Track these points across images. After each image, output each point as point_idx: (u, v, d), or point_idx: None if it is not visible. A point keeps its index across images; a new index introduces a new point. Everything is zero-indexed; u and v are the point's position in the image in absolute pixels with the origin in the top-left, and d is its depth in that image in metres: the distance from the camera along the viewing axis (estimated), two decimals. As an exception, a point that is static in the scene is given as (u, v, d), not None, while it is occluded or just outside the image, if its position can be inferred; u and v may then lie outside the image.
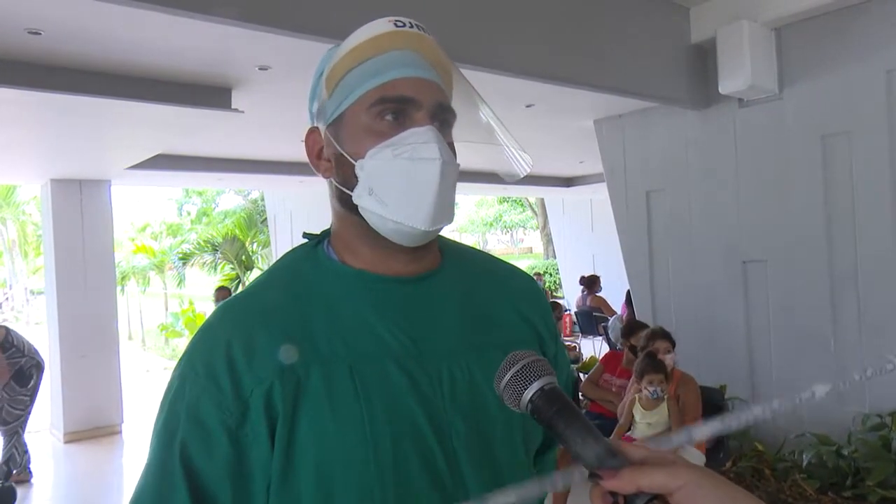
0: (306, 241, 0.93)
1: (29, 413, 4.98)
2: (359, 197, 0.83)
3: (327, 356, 0.79)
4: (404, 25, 0.85)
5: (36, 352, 5.01)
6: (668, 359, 3.51)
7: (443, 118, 0.84)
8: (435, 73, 0.86)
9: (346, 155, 0.84)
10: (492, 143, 0.93)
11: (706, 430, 0.66)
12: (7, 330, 4.92)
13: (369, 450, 0.76)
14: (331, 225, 0.92)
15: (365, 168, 0.82)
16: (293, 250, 0.93)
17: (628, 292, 8.55)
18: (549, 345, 0.95)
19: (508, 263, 1.03)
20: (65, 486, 5.17)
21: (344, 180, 0.85)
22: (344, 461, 0.76)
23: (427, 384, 0.81)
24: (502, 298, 0.93)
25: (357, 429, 0.76)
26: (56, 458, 5.71)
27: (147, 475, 0.79)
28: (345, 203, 0.86)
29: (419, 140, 0.80)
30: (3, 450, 4.91)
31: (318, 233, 0.92)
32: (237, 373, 0.77)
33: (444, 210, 0.82)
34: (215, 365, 0.78)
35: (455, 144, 0.87)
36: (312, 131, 0.90)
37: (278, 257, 0.94)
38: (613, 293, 9.16)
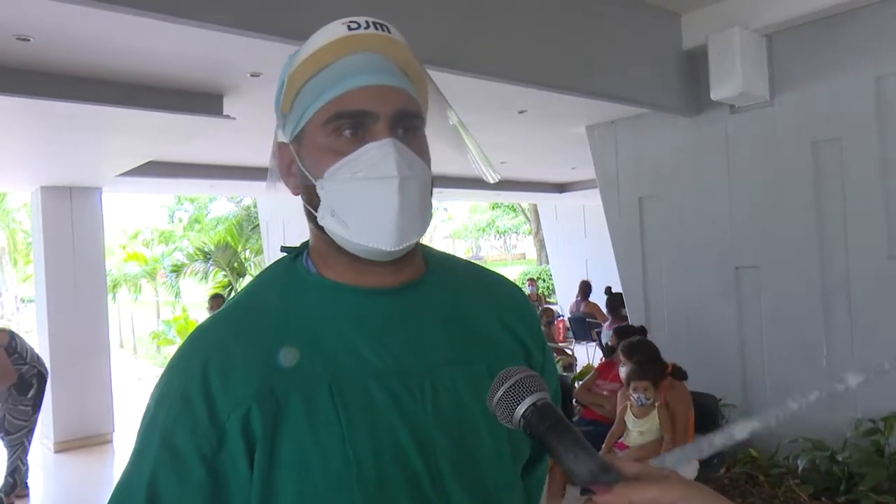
0: (285, 254, 0.90)
1: (34, 424, 4.89)
2: (322, 218, 0.79)
3: (307, 376, 0.75)
4: (359, 27, 0.79)
5: (39, 360, 4.92)
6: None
7: (407, 125, 0.79)
8: (398, 74, 0.80)
9: (307, 174, 0.80)
10: (458, 150, 0.89)
11: (705, 447, 0.66)
12: (11, 334, 4.83)
13: (352, 472, 0.73)
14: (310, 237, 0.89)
15: (325, 188, 0.78)
16: (272, 265, 0.89)
17: (609, 297, 8.56)
18: (535, 356, 0.92)
19: (494, 273, 1.00)
20: (55, 495, 5.12)
21: (309, 199, 0.81)
22: (326, 485, 0.73)
23: (410, 401, 0.78)
24: (488, 310, 0.90)
25: (339, 451, 0.73)
26: (46, 467, 5.65)
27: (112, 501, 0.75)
28: (314, 221, 0.82)
29: (376, 156, 0.75)
30: (8, 461, 4.82)
31: (297, 245, 0.89)
32: (212, 398, 0.73)
33: (412, 226, 0.77)
34: (190, 390, 0.74)
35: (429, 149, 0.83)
36: (282, 145, 0.85)
37: (262, 269, 0.91)
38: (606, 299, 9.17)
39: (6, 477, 4.80)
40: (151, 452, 0.74)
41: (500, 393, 0.63)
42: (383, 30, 0.80)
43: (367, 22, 0.79)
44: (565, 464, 0.57)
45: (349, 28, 0.78)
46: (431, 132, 0.85)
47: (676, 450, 0.70)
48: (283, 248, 0.90)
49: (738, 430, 0.64)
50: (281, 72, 0.85)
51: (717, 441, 0.66)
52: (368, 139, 0.76)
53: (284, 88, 0.82)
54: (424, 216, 0.80)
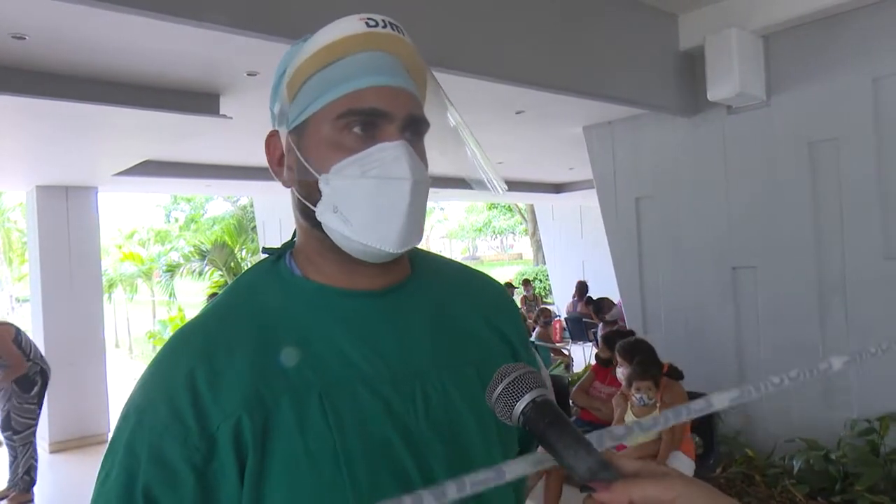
0: (266, 255, 0.87)
1: (37, 422, 4.89)
2: (322, 213, 0.77)
3: (296, 382, 0.73)
4: (377, 25, 0.77)
5: (42, 358, 4.93)
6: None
7: (415, 129, 0.78)
8: (408, 78, 0.79)
9: (308, 167, 0.77)
10: (463, 157, 0.87)
11: (685, 412, 0.65)
12: (17, 329, 4.84)
13: (344, 481, 0.71)
14: (293, 236, 0.87)
15: (330, 184, 0.76)
16: (253, 267, 0.86)
17: (593, 304, 8.63)
18: (521, 354, 0.92)
19: (479, 272, 0.99)
20: (51, 496, 5.10)
21: (307, 193, 0.79)
22: (318, 493, 0.71)
23: (401, 406, 0.76)
24: (474, 310, 0.89)
25: (330, 460, 0.72)
26: (41, 468, 5.62)
27: None
28: (307, 217, 0.80)
29: (389, 157, 0.74)
30: (22, 460, 4.81)
31: (279, 246, 0.87)
32: (202, 406, 0.71)
33: (414, 230, 0.77)
34: (177, 398, 0.71)
35: (427, 154, 0.82)
36: (273, 135, 0.83)
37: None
38: (603, 299, 9.18)
39: (23, 475, 4.80)
40: (140, 465, 0.71)
41: (499, 389, 0.62)
42: (397, 31, 0.79)
43: (383, 21, 0.78)
44: (565, 461, 0.57)
45: (367, 25, 0.77)
46: (438, 138, 0.84)
47: (660, 415, 0.69)
48: (265, 249, 0.88)
49: (717, 400, 0.63)
50: (282, 60, 0.82)
51: (696, 409, 0.65)
52: (378, 139, 0.75)
53: (288, 78, 0.80)
54: (424, 222, 0.80)
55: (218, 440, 0.70)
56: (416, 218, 0.76)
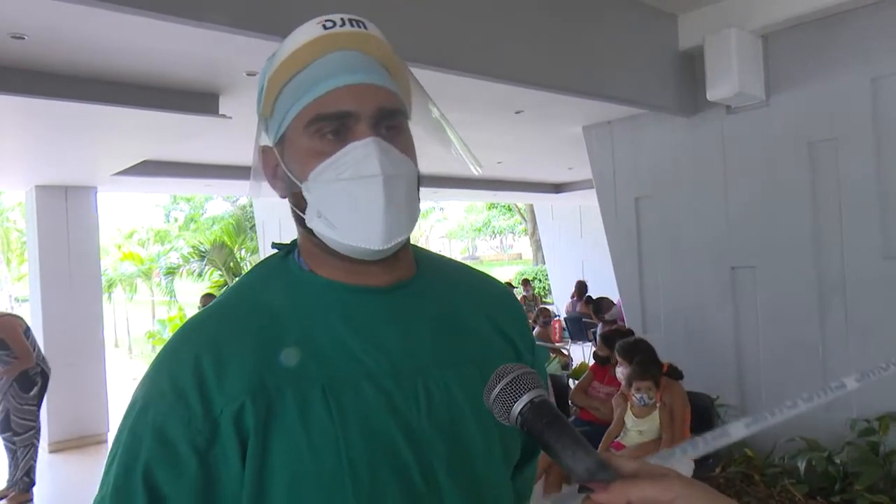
0: (276, 251, 0.89)
1: (39, 424, 4.89)
2: (310, 221, 0.79)
3: (300, 375, 0.75)
4: (335, 25, 0.78)
5: (44, 360, 4.93)
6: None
7: (390, 123, 0.79)
8: (378, 71, 0.80)
9: (292, 177, 0.80)
10: (441, 144, 0.88)
11: (702, 445, 0.65)
12: (27, 327, 4.86)
13: (345, 474, 0.72)
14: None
15: (310, 191, 0.78)
16: (263, 261, 0.89)
17: (592, 304, 8.66)
18: (525, 356, 0.92)
19: (483, 273, 1.00)
20: (49, 496, 5.09)
21: (296, 202, 0.82)
22: (319, 486, 0.72)
23: (403, 402, 0.77)
24: (477, 310, 0.90)
25: (332, 452, 0.73)
26: (40, 468, 5.61)
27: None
28: (301, 224, 0.82)
29: (359, 155, 0.75)
30: (22, 461, 4.80)
31: (288, 242, 0.89)
32: (207, 391, 0.72)
33: (399, 224, 0.77)
34: (183, 382, 0.73)
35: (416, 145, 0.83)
36: (266, 149, 0.85)
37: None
38: (603, 299, 9.18)
39: (22, 477, 4.80)
40: (143, 446, 0.72)
41: (497, 390, 0.62)
42: (359, 26, 0.80)
43: (342, 19, 0.79)
44: (563, 461, 0.57)
45: (324, 27, 0.78)
46: (414, 126, 0.84)
47: (676, 448, 0.69)
48: (275, 245, 0.89)
49: (734, 430, 0.64)
50: (260, 75, 0.84)
51: (712, 440, 0.65)
52: (351, 139, 0.76)
53: (265, 92, 0.82)
54: (411, 213, 0.80)
55: (220, 424, 0.72)
56: (397, 212, 0.76)
